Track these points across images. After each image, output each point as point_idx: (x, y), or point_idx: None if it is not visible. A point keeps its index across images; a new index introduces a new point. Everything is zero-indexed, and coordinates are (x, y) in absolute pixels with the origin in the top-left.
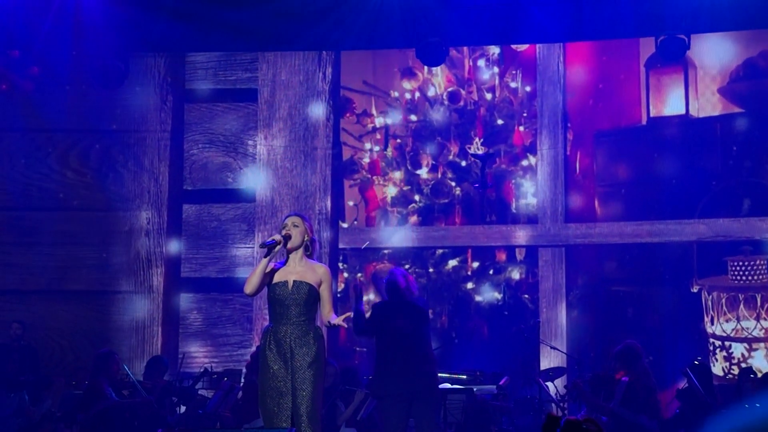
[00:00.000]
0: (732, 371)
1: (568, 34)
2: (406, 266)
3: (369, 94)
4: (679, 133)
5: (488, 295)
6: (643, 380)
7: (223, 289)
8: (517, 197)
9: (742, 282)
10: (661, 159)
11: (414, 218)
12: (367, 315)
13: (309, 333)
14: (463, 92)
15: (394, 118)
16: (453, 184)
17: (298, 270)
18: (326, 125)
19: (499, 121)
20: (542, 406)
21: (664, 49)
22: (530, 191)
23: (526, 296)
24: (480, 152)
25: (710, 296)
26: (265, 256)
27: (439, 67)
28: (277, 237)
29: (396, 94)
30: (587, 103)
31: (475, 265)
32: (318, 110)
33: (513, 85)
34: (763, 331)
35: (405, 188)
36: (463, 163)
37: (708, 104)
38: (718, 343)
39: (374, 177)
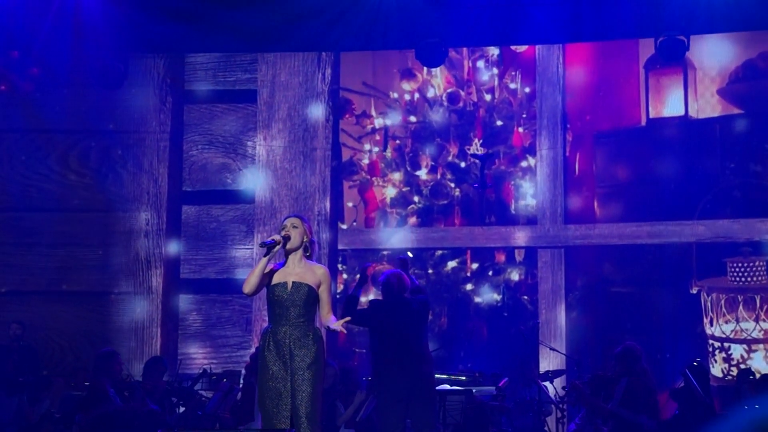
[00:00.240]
0: (731, 372)
1: (568, 35)
2: None
3: (368, 95)
4: (678, 134)
5: (487, 296)
6: (642, 381)
7: (222, 290)
8: (516, 198)
9: (741, 283)
10: (661, 160)
11: (413, 219)
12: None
13: (308, 334)
14: (462, 93)
15: (393, 119)
16: (452, 185)
17: (297, 271)
18: (325, 126)
19: (499, 122)
20: (541, 408)
21: (663, 50)
22: (529, 192)
23: (526, 297)
24: (479, 152)
25: (709, 297)
26: (264, 256)
27: (438, 68)
28: (277, 237)
29: (395, 95)
30: (586, 104)
31: (475, 266)
32: (317, 111)
33: (512, 86)
34: (762, 332)
35: (404, 189)
36: (463, 165)
37: (707, 105)
38: (717, 344)
39: (373, 178)
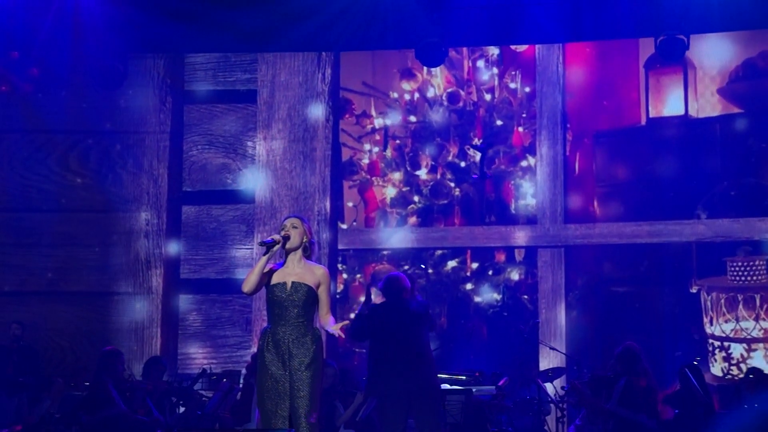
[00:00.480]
0: (731, 372)
1: (568, 34)
2: (406, 267)
3: (368, 95)
4: (678, 133)
5: (487, 295)
6: (642, 380)
7: (222, 290)
8: (516, 198)
9: (741, 282)
10: (661, 159)
11: (413, 219)
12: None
13: (307, 334)
14: (462, 93)
15: (393, 119)
16: (452, 184)
17: (297, 271)
18: (325, 126)
19: (499, 122)
20: (541, 407)
21: (663, 49)
22: (529, 192)
23: (526, 297)
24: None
25: (709, 297)
26: (264, 255)
27: (438, 68)
28: (276, 237)
29: (395, 95)
30: (586, 103)
31: (475, 265)
32: (317, 111)
33: (512, 85)
34: (762, 331)
35: (404, 189)
36: (463, 164)
37: (707, 105)
38: (717, 343)
39: (373, 178)
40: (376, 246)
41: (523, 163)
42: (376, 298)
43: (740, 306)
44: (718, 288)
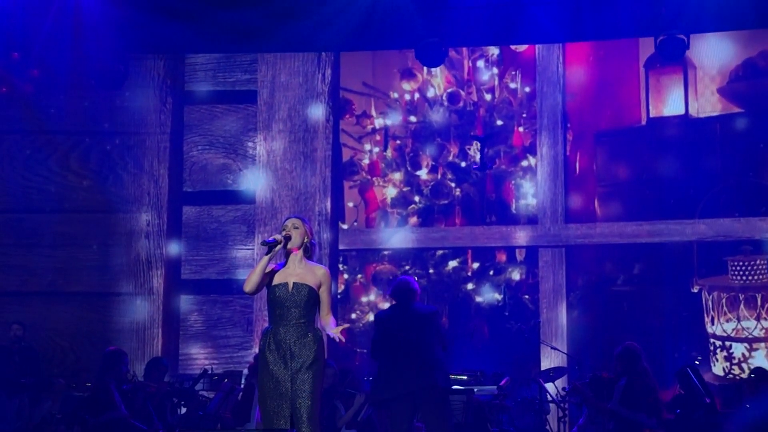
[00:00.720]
0: (732, 371)
1: (568, 34)
2: (406, 267)
3: (368, 95)
4: (678, 133)
5: (488, 295)
6: (643, 380)
7: (223, 290)
8: (517, 198)
9: (742, 282)
10: (661, 159)
11: (414, 219)
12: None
13: (308, 334)
14: (462, 93)
15: (393, 119)
16: (453, 185)
17: (298, 272)
18: (326, 126)
19: (499, 122)
20: (542, 407)
21: (663, 49)
22: (530, 192)
23: (527, 297)
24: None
25: (710, 296)
26: (265, 254)
27: (438, 68)
28: (278, 237)
29: (395, 95)
30: (587, 103)
31: (476, 265)
32: (317, 112)
33: (512, 85)
34: (764, 331)
35: (405, 189)
36: (463, 164)
37: (708, 104)
38: (718, 343)
39: (374, 178)
40: (376, 246)
41: (524, 163)
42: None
43: (741, 305)
44: (720, 287)
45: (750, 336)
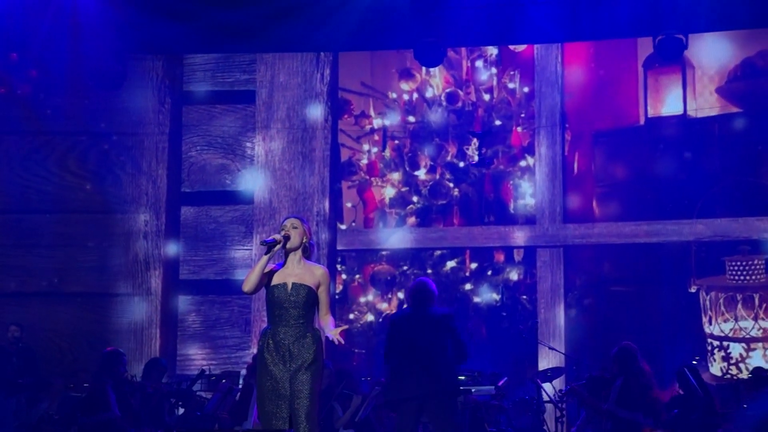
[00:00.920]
0: (730, 371)
1: (566, 34)
2: (405, 267)
3: (367, 95)
4: (677, 133)
5: (486, 295)
6: (639, 380)
7: (221, 291)
8: (515, 198)
9: (740, 282)
10: (660, 159)
11: (412, 219)
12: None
13: (307, 335)
14: (461, 93)
15: (392, 120)
16: (451, 185)
17: (297, 272)
18: (324, 127)
19: (497, 122)
20: (540, 407)
21: (661, 49)
22: (528, 192)
23: (525, 297)
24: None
25: (708, 296)
26: (265, 254)
27: (436, 68)
28: (277, 237)
29: (394, 95)
30: (585, 103)
31: (474, 266)
32: (316, 112)
33: (511, 85)
34: (761, 331)
35: (403, 189)
36: (461, 164)
37: (706, 104)
38: (716, 343)
39: (372, 178)
40: (375, 246)
41: (522, 163)
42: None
43: (739, 305)
44: (717, 287)
45: (747, 336)
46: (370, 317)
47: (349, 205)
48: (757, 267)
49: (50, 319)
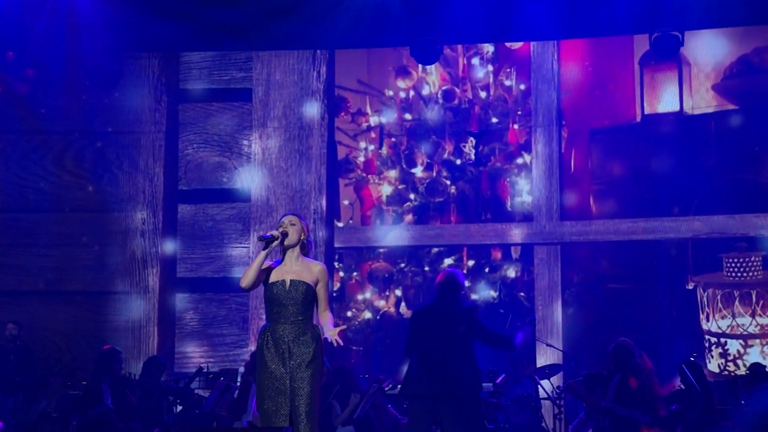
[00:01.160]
0: (728, 368)
1: (562, 31)
2: (402, 265)
3: (363, 93)
4: (673, 130)
5: (484, 293)
6: (637, 376)
7: (219, 289)
8: (512, 195)
9: (737, 278)
10: (656, 156)
11: (409, 217)
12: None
13: (307, 332)
14: (457, 91)
15: (388, 117)
16: (448, 182)
17: (295, 269)
18: (321, 124)
19: (494, 120)
20: (538, 404)
21: (658, 46)
22: (525, 189)
23: (522, 294)
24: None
25: (705, 293)
26: (263, 249)
27: (433, 66)
28: (275, 233)
29: (390, 92)
30: (582, 100)
31: (471, 263)
32: (312, 109)
33: (507, 83)
34: (759, 327)
35: (400, 187)
36: (458, 162)
37: (702, 101)
38: (713, 339)
39: (369, 176)
40: (372, 244)
41: (519, 161)
42: None
43: (736, 302)
44: (715, 284)
45: (745, 332)
46: (367, 315)
47: (346, 202)
48: (754, 264)
49: (48, 317)
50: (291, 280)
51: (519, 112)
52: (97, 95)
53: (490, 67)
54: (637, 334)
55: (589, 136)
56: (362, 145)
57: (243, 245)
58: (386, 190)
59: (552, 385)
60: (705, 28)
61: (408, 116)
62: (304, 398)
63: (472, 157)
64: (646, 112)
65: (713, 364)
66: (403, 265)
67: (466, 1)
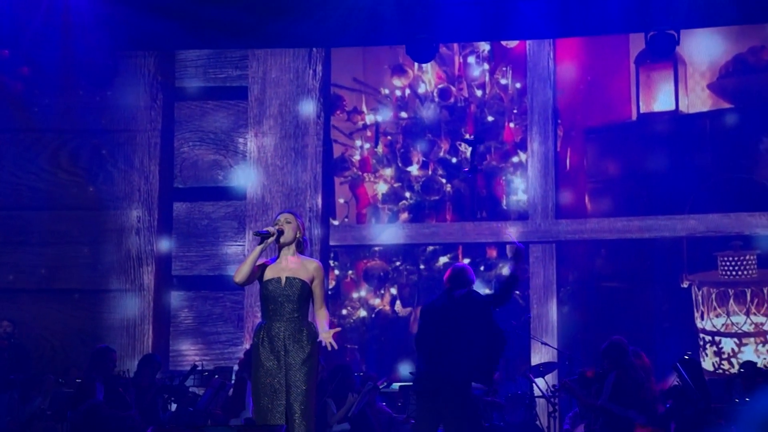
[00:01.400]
0: (722, 366)
1: (558, 30)
2: (397, 263)
3: (359, 91)
4: (669, 129)
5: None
6: (630, 375)
7: (214, 286)
8: (507, 194)
9: (731, 277)
10: (652, 155)
11: (405, 215)
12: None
13: (303, 330)
14: (453, 89)
15: (384, 115)
16: (443, 180)
17: (291, 267)
18: (316, 123)
19: (490, 118)
20: (533, 402)
21: (653, 45)
22: (521, 188)
23: (517, 292)
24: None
25: (700, 291)
26: (258, 244)
27: (429, 64)
28: (271, 229)
29: (386, 91)
30: (577, 99)
31: (466, 261)
32: (308, 108)
33: (503, 81)
34: (753, 326)
35: (396, 185)
36: (454, 160)
37: (698, 100)
38: (708, 338)
39: (365, 174)
40: (367, 242)
41: (515, 159)
42: None
43: (731, 300)
44: (709, 283)
45: (739, 331)
46: (362, 313)
47: (341, 200)
48: (749, 262)
49: (43, 315)
50: (287, 278)
51: (515, 111)
52: (92, 93)
53: (486, 66)
54: (631, 333)
55: (585, 134)
56: (358, 143)
57: (238, 243)
58: (382, 188)
59: (547, 383)
60: (697, 27)
61: (404, 114)
62: (299, 396)
63: (468, 156)
64: (641, 111)
65: (708, 363)
66: (398, 263)
67: None
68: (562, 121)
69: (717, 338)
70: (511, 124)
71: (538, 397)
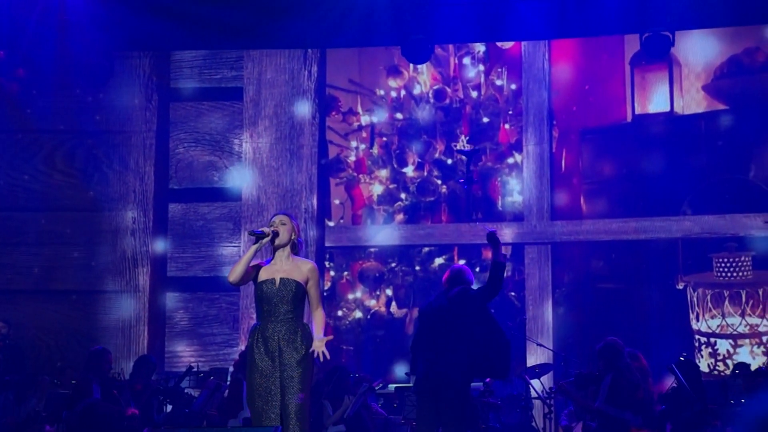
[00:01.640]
0: (717, 367)
1: (553, 31)
2: (393, 264)
3: (355, 92)
4: (664, 130)
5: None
6: (626, 376)
7: (209, 288)
8: (503, 195)
9: (727, 278)
10: (647, 156)
11: (400, 216)
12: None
13: (297, 331)
14: (448, 90)
15: (379, 117)
16: (439, 182)
17: (285, 268)
18: (312, 124)
19: (485, 119)
20: (528, 403)
21: (648, 46)
22: (516, 189)
23: (513, 294)
24: (466, 148)
25: (695, 293)
26: (253, 244)
27: (424, 65)
28: (266, 230)
29: (382, 92)
30: (572, 100)
31: (462, 262)
32: (303, 109)
33: (498, 82)
34: (748, 327)
35: (391, 186)
36: (449, 161)
37: (693, 101)
38: (703, 339)
39: (360, 175)
40: (363, 243)
41: (510, 160)
42: None
43: (726, 302)
44: (704, 284)
45: (735, 332)
46: (358, 314)
47: (337, 202)
48: (744, 264)
49: (38, 316)
50: (281, 279)
51: (510, 112)
52: (87, 94)
53: (482, 67)
54: (627, 334)
55: (580, 135)
56: (353, 144)
57: (233, 244)
58: (377, 189)
59: (542, 384)
60: (693, 29)
61: (399, 116)
62: (294, 397)
63: (464, 158)
64: (636, 112)
65: (703, 364)
66: (393, 264)
67: (457, 0)
68: (557, 122)
69: (712, 339)
70: (507, 126)
71: (534, 398)
